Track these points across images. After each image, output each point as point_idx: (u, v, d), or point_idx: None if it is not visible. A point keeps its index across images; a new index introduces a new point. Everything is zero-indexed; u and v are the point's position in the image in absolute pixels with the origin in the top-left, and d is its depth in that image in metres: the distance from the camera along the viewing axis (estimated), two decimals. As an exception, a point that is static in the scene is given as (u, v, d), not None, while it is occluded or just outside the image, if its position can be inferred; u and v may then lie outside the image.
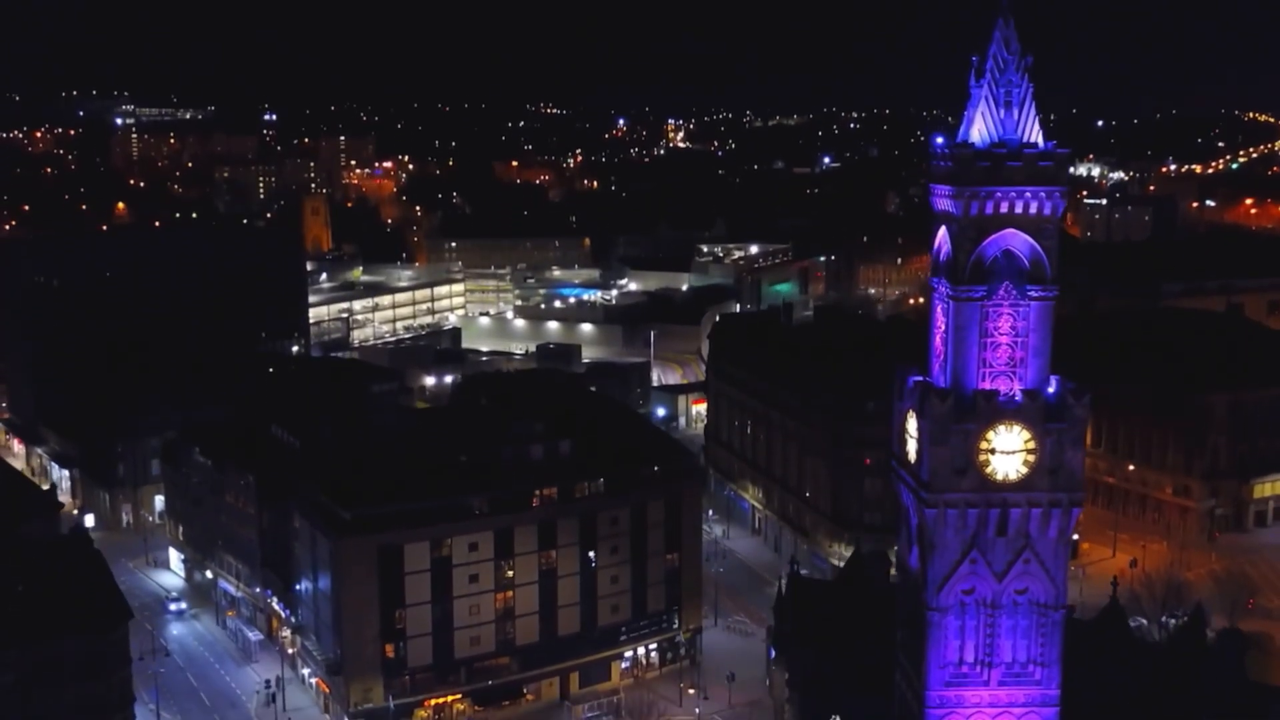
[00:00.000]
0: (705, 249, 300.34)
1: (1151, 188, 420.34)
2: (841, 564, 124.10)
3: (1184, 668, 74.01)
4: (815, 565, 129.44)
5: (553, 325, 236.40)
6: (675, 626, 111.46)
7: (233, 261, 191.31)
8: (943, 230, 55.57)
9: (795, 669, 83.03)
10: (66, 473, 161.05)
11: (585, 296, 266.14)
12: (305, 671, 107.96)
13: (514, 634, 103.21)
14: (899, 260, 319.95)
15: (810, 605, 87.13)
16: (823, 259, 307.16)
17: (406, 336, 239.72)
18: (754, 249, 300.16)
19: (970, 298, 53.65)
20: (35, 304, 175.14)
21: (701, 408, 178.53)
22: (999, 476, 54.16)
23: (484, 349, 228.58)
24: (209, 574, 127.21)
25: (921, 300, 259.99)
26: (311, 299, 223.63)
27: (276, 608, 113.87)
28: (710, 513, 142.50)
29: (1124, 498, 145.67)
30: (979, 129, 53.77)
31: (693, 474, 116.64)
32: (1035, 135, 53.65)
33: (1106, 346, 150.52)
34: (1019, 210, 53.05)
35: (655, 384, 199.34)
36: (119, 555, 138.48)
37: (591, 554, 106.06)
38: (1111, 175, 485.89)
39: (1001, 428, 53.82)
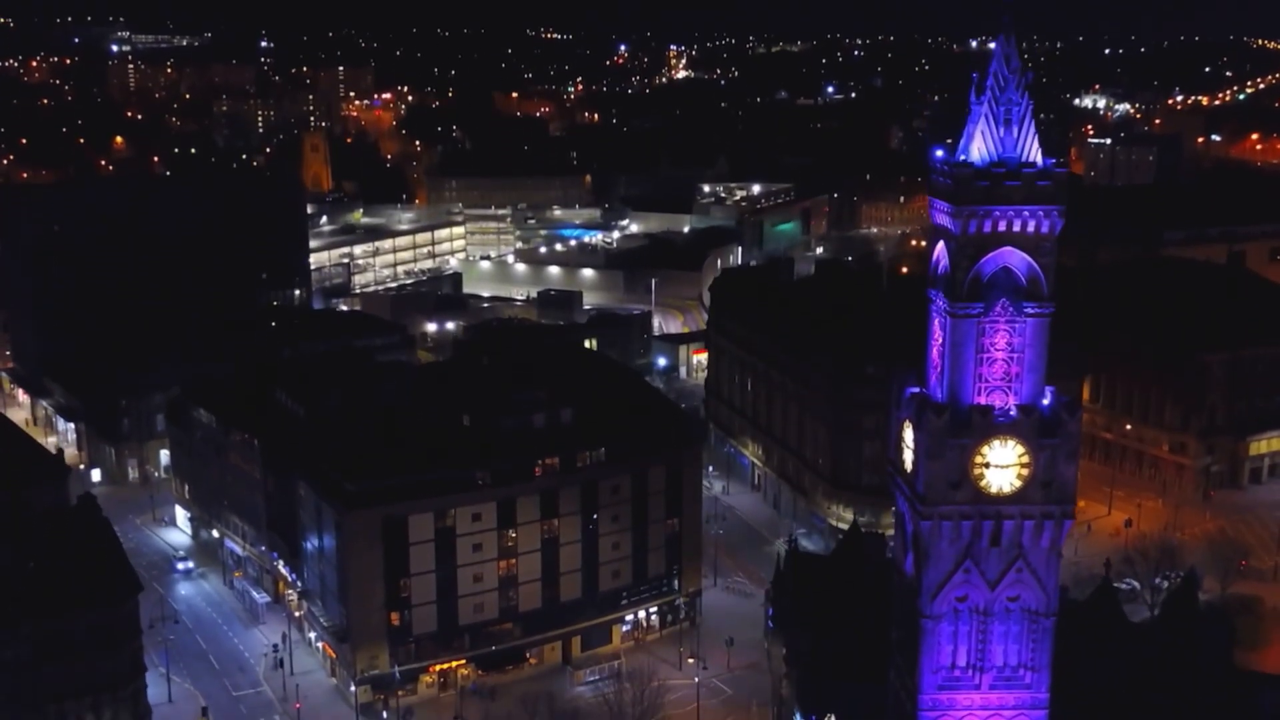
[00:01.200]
0: (707, 188, 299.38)
1: (1158, 121, 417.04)
2: (839, 524, 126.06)
3: (1174, 652, 75.46)
4: (814, 524, 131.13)
5: (554, 270, 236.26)
6: (675, 589, 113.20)
7: (234, 209, 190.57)
8: (941, 244, 55.89)
9: (793, 646, 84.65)
10: (71, 425, 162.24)
11: (586, 238, 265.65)
12: (312, 635, 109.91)
13: (517, 600, 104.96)
14: (901, 199, 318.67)
15: (808, 580, 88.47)
16: (825, 197, 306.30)
17: (408, 282, 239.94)
18: (756, 188, 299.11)
19: (967, 314, 54.11)
20: (37, 253, 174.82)
21: (702, 357, 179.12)
22: (993, 489, 55.03)
23: (485, 294, 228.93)
24: (215, 533, 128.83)
25: (924, 244, 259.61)
26: (312, 244, 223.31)
27: (283, 571, 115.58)
28: (710, 469, 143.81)
29: (1121, 453, 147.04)
30: (978, 147, 53.84)
31: (693, 441, 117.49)
32: (1034, 153, 53.74)
33: (1107, 300, 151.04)
34: (1017, 229, 53.34)
35: (656, 333, 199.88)
36: (126, 511, 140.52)
37: (594, 520, 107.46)
38: (1117, 107, 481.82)
39: (996, 442, 54.57)
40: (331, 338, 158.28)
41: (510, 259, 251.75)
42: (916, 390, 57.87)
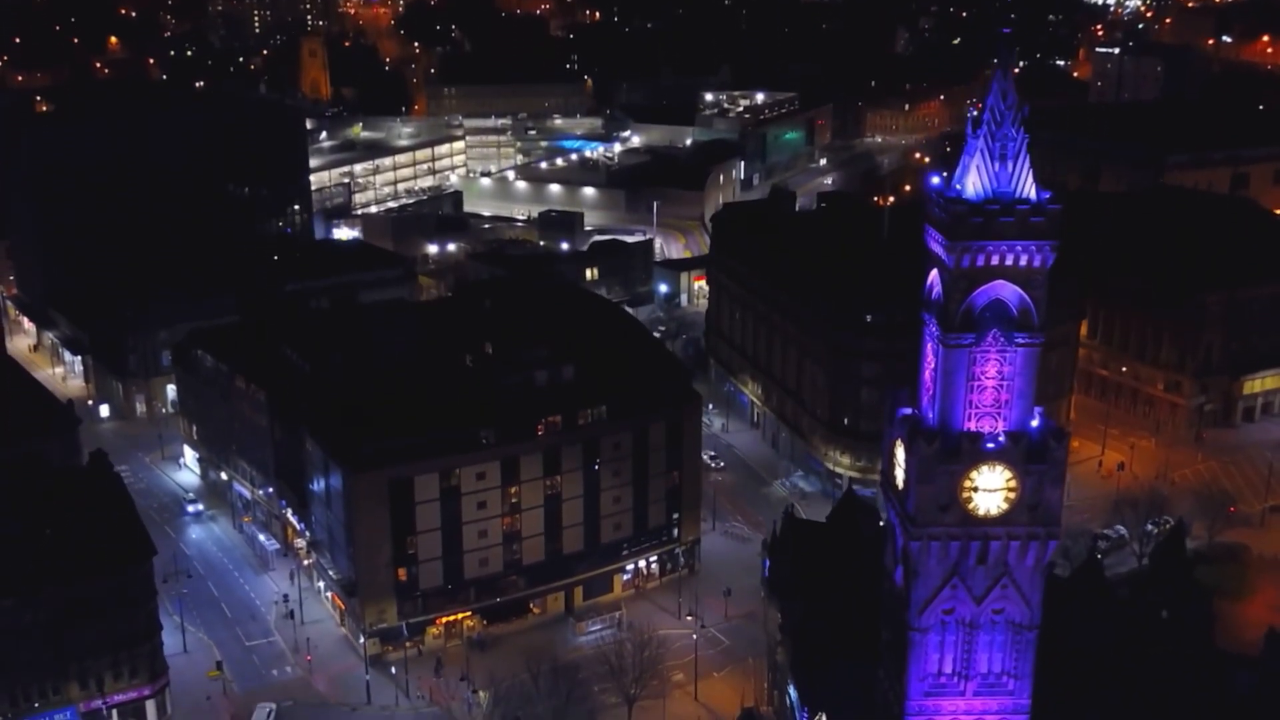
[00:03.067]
0: (709, 98, 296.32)
1: (1168, 20, 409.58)
2: (837, 469, 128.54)
3: (1156, 634, 78.08)
4: (811, 467, 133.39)
5: (555, 188, 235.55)
6: (675, 539, 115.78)
7: (236, 131, 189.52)
8: (935, 272, 56.72)
9: (788, 613, 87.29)
10: (78, 358, 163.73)
11: (588, 152, 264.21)
12: (321, 584, 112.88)
13: (520, 554, 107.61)
14: (905, 106, 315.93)
15: (804, 547, 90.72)
16: (829, 106, 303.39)
17: (409, 202, 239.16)
18: (760, 97, 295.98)
19: (959, 344, 55.20)
20: (37, 179, 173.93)
21: (704, 284, 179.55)
22: (981, 512, 56.76)
23: (486, 213, 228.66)
24: (223, 475, 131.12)
25: (927, 160, 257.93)
26: (312, 162, 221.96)
27: (291, 519, 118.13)
28: (710, 406, 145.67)
29: (1116, 390, 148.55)
30: (973, 181, 54.33)
31: (692, 396, 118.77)
32: (1029, 188, 54.22)
33: (1109, 234, 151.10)
34: (1009, 263, 54.15)
35: (658, 256, 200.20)
36: (134, 448, 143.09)
37: (595, 475, 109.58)
38: (1128, 3, 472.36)
39: (985, 468, 56.15)
40: (333, 273, 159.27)
41: (511, 176, 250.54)
42: (909, 412, 59.20)
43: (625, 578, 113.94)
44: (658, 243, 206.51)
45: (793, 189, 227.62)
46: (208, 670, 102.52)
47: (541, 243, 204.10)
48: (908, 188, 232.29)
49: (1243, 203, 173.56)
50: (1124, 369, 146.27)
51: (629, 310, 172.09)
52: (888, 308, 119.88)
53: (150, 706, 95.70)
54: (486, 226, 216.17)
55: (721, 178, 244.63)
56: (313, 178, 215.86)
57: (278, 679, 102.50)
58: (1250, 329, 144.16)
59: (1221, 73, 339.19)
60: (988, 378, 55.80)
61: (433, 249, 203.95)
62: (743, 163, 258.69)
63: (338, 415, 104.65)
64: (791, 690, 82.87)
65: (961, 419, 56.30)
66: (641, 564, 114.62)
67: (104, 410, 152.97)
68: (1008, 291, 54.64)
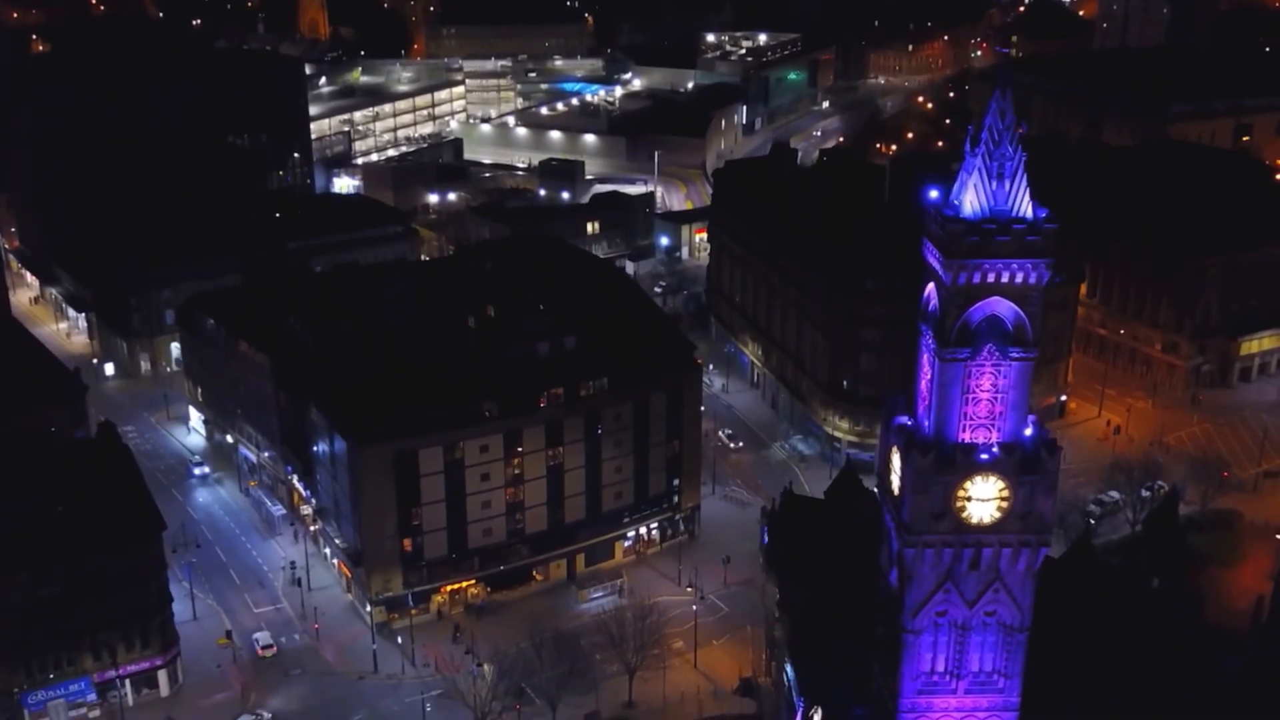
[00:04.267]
0: (711, 38, 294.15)
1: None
2: (835, 433, 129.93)
3: (1146, 614, 79.71)
4: (810, 430, 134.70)
5: (555, 135, 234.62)
6: (675, 505, 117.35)
7: (236, 84, 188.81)
8: (931, 285, 57.39)
9: (786, 592, 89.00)
10: (82, 315, 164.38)
11: (588, 96, 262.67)
12: (327, 551, 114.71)
13: (523, 524, 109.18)
14: (909, 47, 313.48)
15: (801, 528, 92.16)
16: (834, 47, 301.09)
17: (409, 150, 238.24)
18: (762, 38, 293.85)
19: (955, 359, 55.95)
20: (39, 134, 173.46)
21: (705, 237, 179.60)
22: (974, 520, 57.89)
23: (486, 160, 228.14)
24: (229, 438, 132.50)
25: (930, 106, 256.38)
26: (312, 109, 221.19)
27: (297, 485, 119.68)
28: (710, 366, 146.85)
29: (1114, 350, 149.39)
30: (970, 199, 54.74)
31: (692, 366, 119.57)
32: (1025, 206, 54.64)
33: (1110, 191, 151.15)
34: (1005, 280, 54.71)
35: (659, 207, 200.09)
36: (140, 407, 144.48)
37: (597, 446, 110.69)
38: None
39: (978, 478, 57.17)
40: (334, 229, 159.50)
41: (511, 122, 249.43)
42: (905, 421, 60.13)
43: (626, 544, 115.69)
44: (659, 193, 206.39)
45: (795, 133, 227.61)
46: (217, 638, 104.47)
47: (542, 191, 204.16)
48: (910, 135, 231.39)
49: (1244, 159, 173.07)
50: (1122, 330, 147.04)
51: (630, 264, 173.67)
52: (888, 273, 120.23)
53: (162, 676, 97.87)
54: (487, 175, 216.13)
55: (724, 123, 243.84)
56: (312, 126, 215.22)
57: (286, 646, 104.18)
58: (1249, 290, 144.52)
59: (1229, 11, 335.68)
60: (982, 390, 56.65)
61: (433, 198, 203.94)
62: (745, 107, 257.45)
63: (343, 388, 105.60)
64: (788, 668, 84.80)
65: (956, 430, 57.26)
66: (642, 530, 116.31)
67: (109, 369, 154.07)
68: (1003, 308, 55.28)
